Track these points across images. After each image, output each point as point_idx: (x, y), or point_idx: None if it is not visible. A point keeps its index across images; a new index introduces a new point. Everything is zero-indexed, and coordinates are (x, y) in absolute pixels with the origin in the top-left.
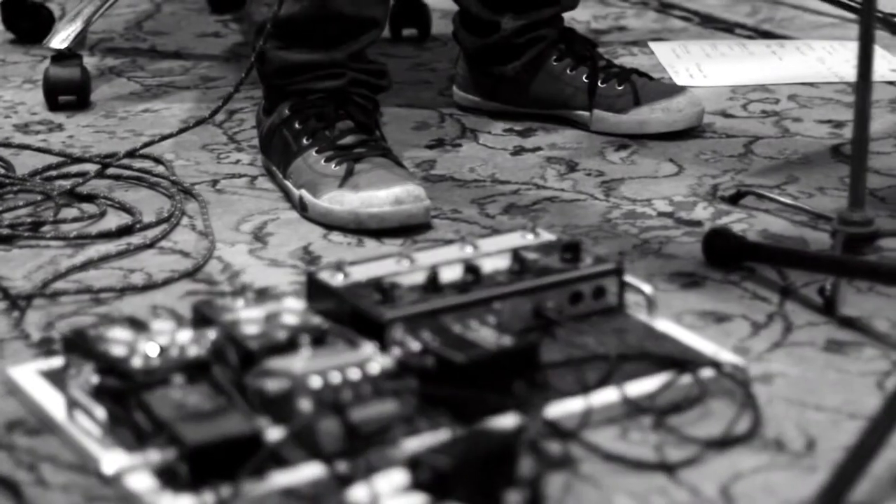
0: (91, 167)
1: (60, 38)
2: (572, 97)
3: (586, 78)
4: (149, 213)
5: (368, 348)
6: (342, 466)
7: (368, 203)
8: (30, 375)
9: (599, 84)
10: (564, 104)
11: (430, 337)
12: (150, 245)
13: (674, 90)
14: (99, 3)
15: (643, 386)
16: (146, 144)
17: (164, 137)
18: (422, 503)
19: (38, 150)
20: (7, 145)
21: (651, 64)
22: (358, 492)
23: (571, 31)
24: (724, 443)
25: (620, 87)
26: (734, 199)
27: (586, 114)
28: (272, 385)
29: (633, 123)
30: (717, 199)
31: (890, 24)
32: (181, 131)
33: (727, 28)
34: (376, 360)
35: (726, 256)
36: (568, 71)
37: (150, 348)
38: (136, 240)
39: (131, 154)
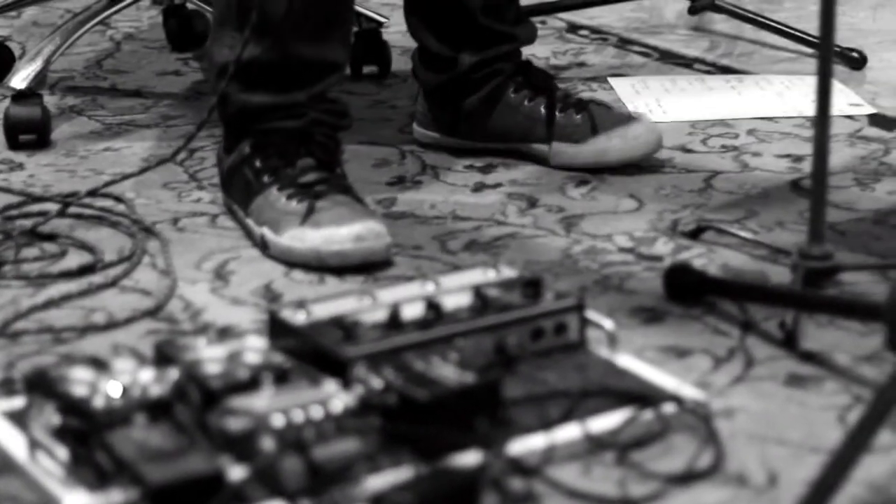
0: (52, 206)
1: (21, 77)
2: (531, 129)
3: (544, 108)
4: (110, 252)
5: (331, 386)
6: None
7: (330, 240)
8: None
9: (557, 114)
10: (524, 136)
11: (392, 374)
12: (112, 284)
13: (630, 118)
14: (59, 41)
15: (605, 422)
16: (108, 184)
17: (125, 177)
18: None
19: None
20: None
21: (611, 99)
22: None
23: (528, 63)
24: (686, 478)
25: (578, 117)
26: (694, 234)
27: (545, 148)
28: (234, 424)
29: (591, 154)
30: (677, 234)
31: (848, 58)
32: (142, 171)
33: (686, 63)
34: (339, 398)
35: (687, 291)
36: (526, 102)
37: (112, 388)
38: (97, 279)
39: (92, 194)
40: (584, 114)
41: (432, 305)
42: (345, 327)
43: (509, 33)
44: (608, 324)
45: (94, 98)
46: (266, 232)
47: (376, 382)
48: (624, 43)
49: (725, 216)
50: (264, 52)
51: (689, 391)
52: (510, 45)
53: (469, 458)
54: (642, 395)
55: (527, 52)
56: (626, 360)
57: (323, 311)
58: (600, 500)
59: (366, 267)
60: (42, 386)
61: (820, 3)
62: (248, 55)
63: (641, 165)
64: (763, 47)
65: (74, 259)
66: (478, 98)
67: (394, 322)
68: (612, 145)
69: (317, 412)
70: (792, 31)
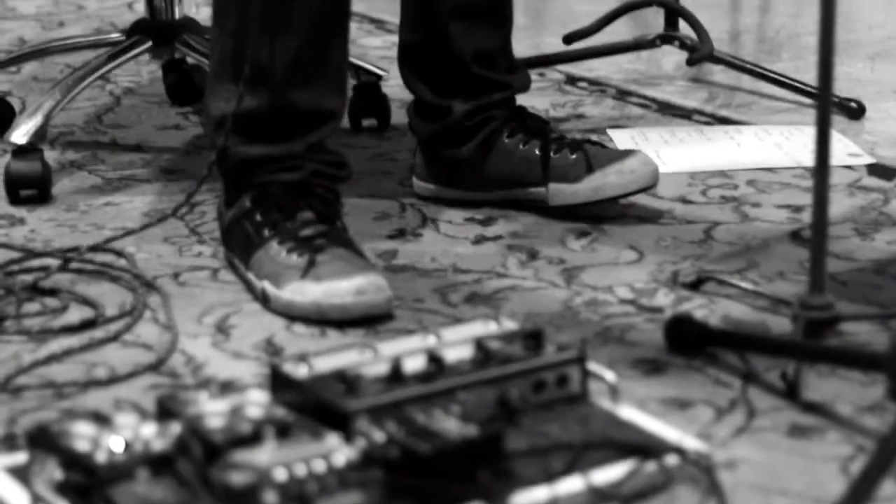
0: (53, 261)
1: (21, 133)
2: (527, 172)
3: (539, 151)
4: (111, 307)
5: (333, 440)
6: None
7: (331, 294)
8: None
9: (552, 155)
10: (520, 180)
11: (394, 427)
12: (113, 339)
13: (625, 153)
14: (59, 96)
15: (608, 474)
16: (109, 240)
17: (127, 233)
18: None
19: (0, 245)
20: None
21: None
22: None
23: (522, 109)
24: None
25: (573, 156)
26: (695, 286)
27: (542, 190)
28: (237, 478)
29: (588, 191)
30: (678, 285)
31: (846, 108)
32: (144, 228)
33: (685, 114)
34: (341, 452)
35: (688, 343)
36: (521, 146)
37: (115, 443)
38: (98, 333)
39: (94, 250)
40: (578, 153)
41: (434, 358)
42: (346, 381)
43: (502, 82)
44: (610, 375)
45: (94, 153)
46: (267, 286)
47: (378, 436)
48: (622, 94)
49: (726, 267)
50: (260, 102)
51: (692, 442)
52: (503, 93)
53: None
54: (645, 447)
55: (525, 104)
56: (629, 412)
57: (324, 364)
58: None
59: (367, 320)
60: (44, 441)
61: (818, 54)
62: (244, 107)
63: (641, 216)
64: (762, 98)
65: (76, 314)
66: (473, 145)
67: (395, 375)
68: (608, 181)
69: (319, 466)
70: (790, 82)
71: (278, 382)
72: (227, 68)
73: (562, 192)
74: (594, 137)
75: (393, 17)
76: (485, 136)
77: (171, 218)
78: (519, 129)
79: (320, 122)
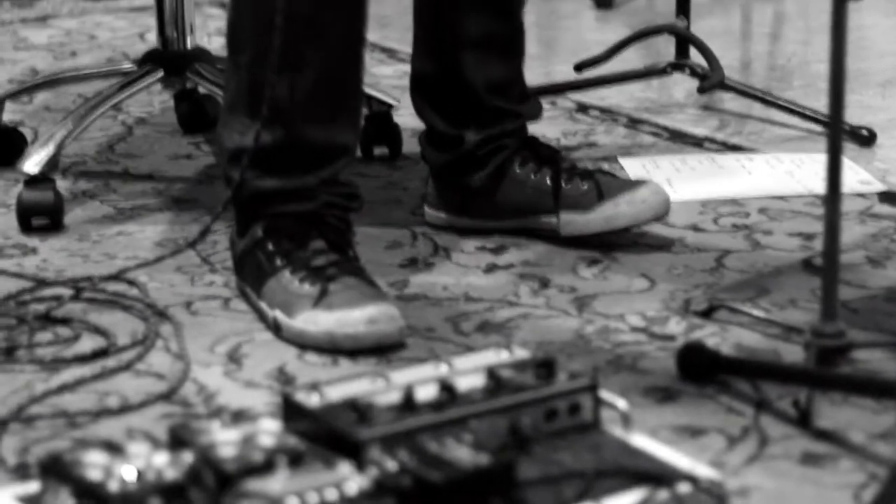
0: (65, 290)
1: (33, 162)
2: (538, 201)
3: (550, 180)
4: (123, 336)
5: (345, 468)
6: None
7: (343, 323)
8: (6, 501)
9: (563, 184)
10: (532, 209)
11: (406, 456)
12: (126, 368)
13: (636, 183)
14: (71, 126)
15: (620, 502)
16: (122, 271)
17: (140, 265)
18: None
19: (12, 274)
20: None
21: None
22: None
23: (533, 138)
24: None
25: (585, 185)
26: (707, 313)
27: (554, 219)
28: None
29: (600, 221)
30: (689, 313)
31: (857, 136)
32: (157, 260)
33: (696, 142)
34: (353, 481)
35: (700, 371)
36: (532, 175)
37: (127, 472)
38: (111, 363)
39: (107, 280)
40: (589, 182)
41: (446, 387)
42: (359, 409)
43: (514, 111)
44: (622, 404)
45: (106, 182)
46: (279, 315)
47: (391, 464)
48: (634, 123)
49: (737, 295)
50: (274, 137)
51: (704, 470)
52: (515, 122)
53: None
54: (657, 475)
55: (537, 132)
56: (641, 440)
57: (336, 393)
58: None
59: (379, 349)
60: (57, 470)
61: (829, 82)
62: (260, 140)
63: (652, 244)
64: (773, 126)
65: (88, 343)
66: (484, 174)
67: (408, 404)
68: (619, 211)
69: (332, 495)
70: (801, 110)
71: (290, 411)
72: (242, 102)
73: (573, 221)
74: (605, 166)
75: (404, 46)
76: (497, 164)
77: (183, 249)
78: (530, 158)
79: (334, 156)
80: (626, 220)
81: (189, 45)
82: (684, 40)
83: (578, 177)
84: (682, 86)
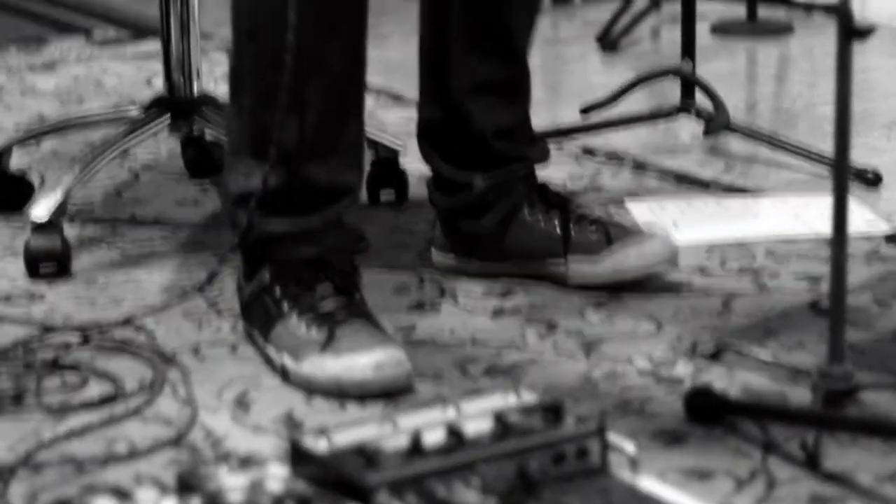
0: (73, 336)
1: (41, 208)
2: (547, 247)
3: (559, 224)
4: (131, 382)
5: None
6: None
7: (350, 369)
8: None
9: (573, 232)
10: (540, 254)
11: (415, 501)
12: (133, 414)
13: (645, 232)
14: (78, 172)
15: None
16: (130, 318)
17: (147, 313)
18: None
19: (20, 320)
20: None
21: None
22: None
23: (543, 184)
24: None
25: (594, 234)
26: (714, 356)
27: (563, 267)
28: None
29: (608, 272)
30: (696, 356)
31: (863, 177)
32: (165, 307)
33: (702, 185)
34: None
35: (708, 413)
36: (541, 221)
37: None
38: (118, 409)
39: (114, 326)
40: (599, 229)
41: (454, 431)
42: (367, 454)
43: (522, 155)
44: (630, 447)
45: (113, 228)
46: (286, 360)
47: None
48: (640, 166)
49: (744, 338)
50: (278, 178)
51: None
52: (523, 166)
53: None
54: None
55: (543, 175)
56: (649, 484)
57: (344, 438)
58: None
59: (387, 393)
60: None
61: (834, 124)
62: (269, 183)
63: (659, 287)
64: (779, 168)
65: (96, 389)
66: (493, 219)
67: (415, 448)
68: (629, 261)
69: None
70: (807, 152)
71: (298, 456)
72: (245, 144)
73: (582, 272)
74: (612, 209)
75: (410, 91)
76: (505, 209)
77: (191, 294)
78: (539, 204)
79: (338, 197)
80: (635, 272)
81: (196, 90)
82: (690, 83)
83: (588, 224)
84: (688, 128)
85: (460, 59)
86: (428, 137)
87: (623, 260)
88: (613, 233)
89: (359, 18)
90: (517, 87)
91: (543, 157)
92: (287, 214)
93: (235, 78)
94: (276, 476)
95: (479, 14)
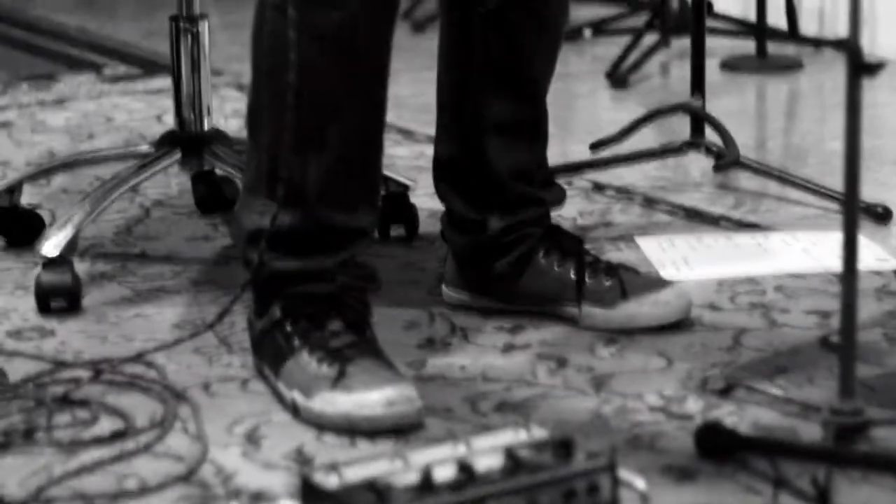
0: (84, 372)
1: (51, 244)
2: (561, 292)
3: (574, 273)
4: (142, 418)
5: None
6: None
7: (361, 405)
8: None
9: (587, 279)
10: (553, 300)
11: None
12: (144, 450)
13: (661, 284)
14: (89, 208)
15: None
16: (140, 354)
17: (159, 348)
18: None
19: (31, 356)
20: None
21: (638, 258)
22: None
23: (558, 227)
24: None
25: (608, 282)
26: (724, 392)
27: (575, 310)
28: None
29: (622, 318)
30: (707, 391)
31: (873, 213)
32: (177, 342)
33: (712, 221)
34: None
35: (718, 449)
36: (555, 266)
37: None
38: (129, 445)
39: (125, 362)
40: (614, 279)
41: (464, 467)
42: (377, 490)
43: (538, 197)
44: (640, 483)
45: (123, 264)
46: (297, 396)
47: None
48: (650, 202)
49: (755, 373)
50: (293, 219)
51: None
52: (538, 209)
53: None
54: None
55: (553, 212)
56: None
57: (355, 474)
58: None
59: (397, 429)
60: None
61: (844, 159)
62: (277, 222)
63: (669, 323)
64: (789, 204)
65: (106, 425)
66: (507, 261)
67: (426, 484)
68: (641, 311)
69: None
70: (817, 187)
71: (309, 492)
72: (261, 182)
73: (595, 315)
74: (622, 245)
75: (420, 126)
76: (520, 253)
77: (200, 329)
78: (554, 249)
79: (352, 239)
80: (647, 320)
81: (206, 126)
82: (699, 119)
83: (602, 272)
84: (698, 164)
85: (479, 99)
86: (444, 175)
87: (637, 313)
88: (628, 283)
89: (379, 63)
90: (535, 129)
91: (559, 200)
92: (300, 254)
93: (253, 115)
94: None
95: (501, 55)
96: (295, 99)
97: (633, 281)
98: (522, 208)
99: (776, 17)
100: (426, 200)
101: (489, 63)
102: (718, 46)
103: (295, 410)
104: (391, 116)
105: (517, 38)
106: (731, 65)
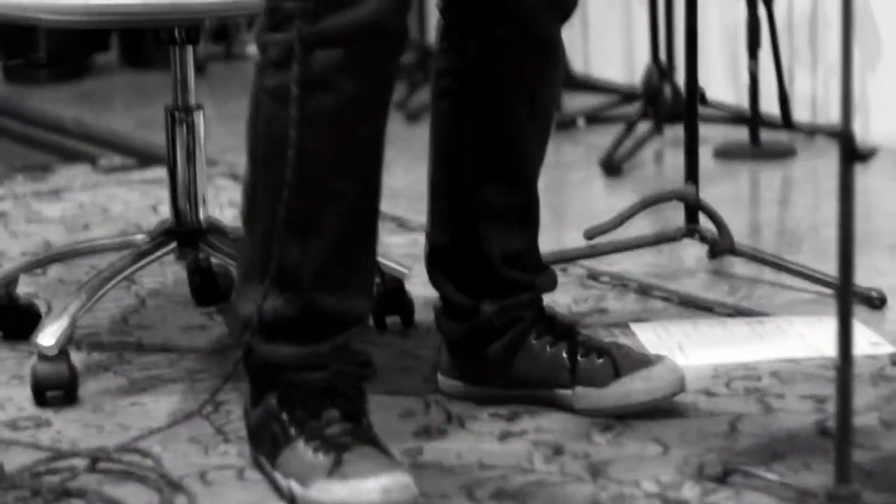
0: (80, 462)
1: (47, 335)
2: (554, 374)
3: (566, 354)
4: None
5: None
6: None
7: (357, 493)
8: None
9: (580, 359)
10: (547, 382)
11: None
12: None
13: (652, 360)
14: (85, 299)
15: None
16: (136, 440)
17: (152, 432)
18: None
19: (27, 445)
20: None
21: (633, 345)
22: None
23: (550, 311)
24: None
25: (600, 361)
26: (721, 478)
27: (569, 392)
28: None
29: (615, 397)
30: (704, 478)
31: (867, 299)
32: (170, 425)
33: (707, 307)
34: None
35: None
36: (548, 348)
37: None
38: None
39: (121, 451)
40: (605, 358)
41: None
42: None
43: (530, 282)
44: None
45: (120, 354)
46: (293, 485)
47: None
48: (644, 289)
49: (751, 459)
50: (286, 304)
51: None
52: (531, 294)
53: None
54: None
55: (548, 298)
56: None
57: None
58: None
59: None
60: None
61: (838, 246)
62: (270, 307)
63: (666, 410)
64: (783, 290)
65: None
66: (500, 345)
67: None
68: (635, 388)
69: None
70: (811, 274)
71: None
72: (255, 270)
73: (588, 396)
74: (617, 332)
75: (414, 215)
76: (513, 336)
77: (196, 417)
78: (547, 331)
79: (347, 325)
80: (641, 397)
81: (202, 216)
82: (694, 207)
83: (594, 352)
84: (692, 252)
85: (471, 186)
86: (437, 263)
87: (630, 391)
88: (619, 361)
89: (374, 151)
90: (527, 214)
91: (551, 285)
92: (295, 340)
93: (248, 202)
94: None
95: (492, 143)
96: (290, 182)
97: (625, 359)
98: (514, 293)
99: (769, 105)
100: (421, 288)
101: (481, 150)
102: (712, 134)
103: (292, 500)
104: (386, 206)
105: (508, 123)
106: (725, 153)
